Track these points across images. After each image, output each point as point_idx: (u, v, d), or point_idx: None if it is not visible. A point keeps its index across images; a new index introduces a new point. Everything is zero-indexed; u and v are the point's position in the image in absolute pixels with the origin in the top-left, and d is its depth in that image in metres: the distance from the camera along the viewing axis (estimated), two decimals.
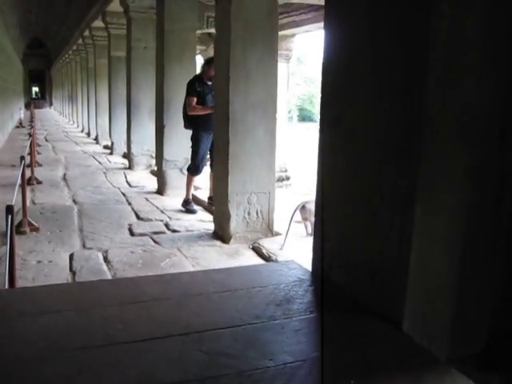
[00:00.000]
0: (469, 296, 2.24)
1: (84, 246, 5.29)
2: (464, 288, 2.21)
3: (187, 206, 6.98)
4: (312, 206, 5.71)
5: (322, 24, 7.08)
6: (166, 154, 7.88)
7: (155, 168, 9.90)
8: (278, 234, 5.75)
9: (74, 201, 7.41)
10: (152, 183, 8.83)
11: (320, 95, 2.62)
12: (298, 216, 5.81)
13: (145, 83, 10.15)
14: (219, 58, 5.60)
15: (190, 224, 6.24)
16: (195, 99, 6.82)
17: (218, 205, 5.76)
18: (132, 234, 5.79)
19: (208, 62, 6.95)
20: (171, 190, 7.94)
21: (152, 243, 5.45)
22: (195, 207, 7.01)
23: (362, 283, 2.37)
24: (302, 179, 9.93)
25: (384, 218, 2.25)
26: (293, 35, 8.36)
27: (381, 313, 2.23)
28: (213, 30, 9.08)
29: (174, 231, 5.94)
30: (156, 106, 8.36)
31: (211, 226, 6.03)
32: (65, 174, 9.76)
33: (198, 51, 9.92)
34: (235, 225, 5.50)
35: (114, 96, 12.70)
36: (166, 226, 6.16)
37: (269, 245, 5.40)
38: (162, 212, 6.82)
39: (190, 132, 7.86)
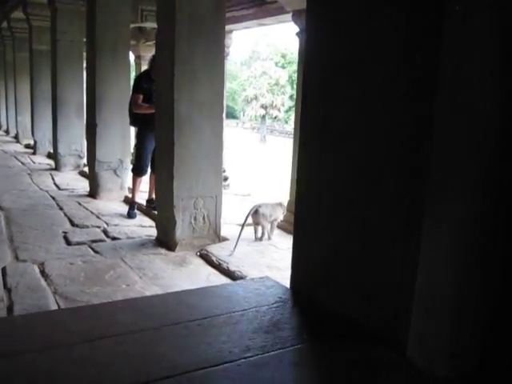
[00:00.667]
0: (468, 313, 2.08)
1: (17, 258, 4.82)
2: (464, 304, 2.05)
3: (129, 208, 6.60)
4: (265, 210, 5.51)
5: (262, 20, 6.85)
6: (99, 155, 7.43)
7: (84, 169, 9.42)
8: (225, 239, 5.50)
9: (0, 206, 6.85)
10: (82, 185, 8.34)
11: (302, 95, 2.40)
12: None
13: (72, 79, 9.64)
14: (162, 54, 5.27)
15: (131, 230, 5.87)
16: (141, 96, 6.44)
17: (161, 210, 5.44)
18: (68, 243, 5.35)
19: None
20: (105, 192, 7.52)
21: (92, 253, 5.05)
22: (136, 212, 6.63)
23: (356, 304, 2.16)
24: (239, 179, 9.71)
25: (384, 233, 2.05)
26: (230, 31, 8.11)
27: (380, 337, 2.03)
28: (147, 25, 8.71)
29: (114, 239, 5.56)
30: (87, 104, 7.90)
31: (153, 232, 5.70)
32: None
33: None
34: (181, 231, 5.19)
35: (36, 92, 11.96)
36: (105, 232, 5.76)
37: (217, 251, 5.14)
38: (97, 217, 6.39)
39: (124, 131, 7.49)
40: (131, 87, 6.99)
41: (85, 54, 10.58)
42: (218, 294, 2.45)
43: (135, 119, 6.66)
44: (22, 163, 10.87)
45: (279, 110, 48.40)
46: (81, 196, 7.65)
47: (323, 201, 2.31)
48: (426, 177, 1.85)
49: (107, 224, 6.10)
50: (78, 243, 5.33)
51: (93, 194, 7.58)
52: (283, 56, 67.33)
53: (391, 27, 1.95)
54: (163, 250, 5.21)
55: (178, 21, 4.87)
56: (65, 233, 5.67)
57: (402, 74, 1.91)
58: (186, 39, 4.92)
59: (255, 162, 24.89)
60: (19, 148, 13.60)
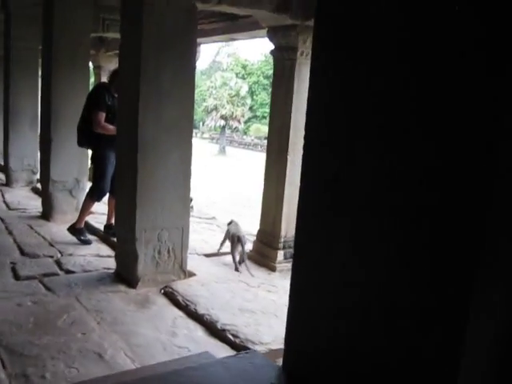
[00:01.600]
0: None
1: None
2: None
3: (80, 235, 6.02)
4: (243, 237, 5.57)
5: (234, 35, 6.41)
6: (54, 174, 6.87)
7: (37, 185, 8.81)
8: (192, 274, 5.02)
9: None
10: (35, 204, 7.73)
11: (304, 144, 1.96)
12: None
13: (26, 89, 9.04)
14: (126, 71, 4.79)
15: (87, 261, 5.33)
16: (104, 115, 5.80)
17: (122, 243, 4.93)
18: (17, 277, 4.78)
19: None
20: (59, 215, 6.94)
21: (43, 290, 4.50)
22: (89, 237, 6.10)
23: None
24: (202, 198, 9.22)
25: (413, 318, 1.62)
26: (199, 44, 7.67)
27: None
28: (109, 35, 8.20)
29: (69, 272, 5.01)
30: (41, 117, 7.31)
31: (112, 264, 5.18)
32: None
33: None
34: (143, 266, 4.70)
35: None
36: (58, 264, 5.20)
37: (184, 290, 4.66)
38: (50, 245, 5.82)
39: (79, 148, 6.93)
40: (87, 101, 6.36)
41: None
42: (198, 379, 1.99)
43: (92, 139, 5.96)
44: None
45: (239, 122, 48.11)
46: (33, 218, 7.05)
47: (331, 267, 1.87)
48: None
49: (61, 253, 5.55)
50: (28, 277, 4.78)
51: (46, 215, 7.00)
52: (244, 67, 67.28)
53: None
54: (123, 287, 4.70)
55: (145, 34, 4.41)
56: (13, 264, 5.10)
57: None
58: (153, 54, 4.46)
59: (217, 177, 24.44)
60: None
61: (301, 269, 2.07)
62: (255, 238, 5.97)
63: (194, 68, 4.74)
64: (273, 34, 5.48)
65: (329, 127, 1.82)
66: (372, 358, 1.73)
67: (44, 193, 7.10)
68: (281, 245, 5.59)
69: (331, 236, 1.83)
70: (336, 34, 1.66)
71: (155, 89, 4.48)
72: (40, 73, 9.22)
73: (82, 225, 6.10)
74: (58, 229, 6.53)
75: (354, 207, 1.71)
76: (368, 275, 1.72)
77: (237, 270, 5.54)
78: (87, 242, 5.96)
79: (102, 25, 7.73)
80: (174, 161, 4.67)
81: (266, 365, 2.15)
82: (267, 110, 67.86)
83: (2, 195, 8.44)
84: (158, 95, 4.51)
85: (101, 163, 5.98)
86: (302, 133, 5.40)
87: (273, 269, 5.53)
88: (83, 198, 6.96)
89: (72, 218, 6.95)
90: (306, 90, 5.40)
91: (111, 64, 10.03)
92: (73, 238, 6.11)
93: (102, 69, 9.99)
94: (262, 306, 4.38)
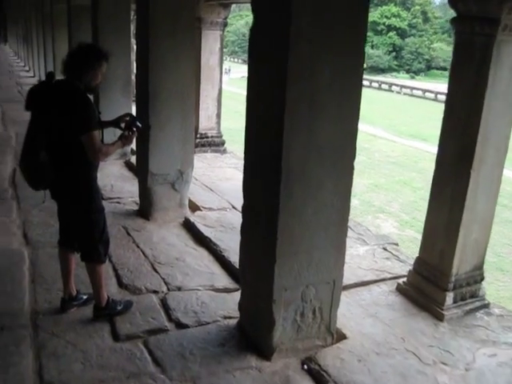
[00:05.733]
0: None
1: (41, 379, 3.18)
2: None
3: (113, 309, 3.93)
4: None
5: None
6: (153, 167, 5.69)
7: (132, 158, 7.77)
8: (341, 335, 3.77)
9: (26, 238, 5.16)
10: (130, 190, 6.63)
11: None
12: None
13: (117, 46, 7.74)
14: (263, 67, 3.37)
15: (200, 303, 4.11)
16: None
17: (252, 298, 3.69)
18: (115, 335, 3.66)
19: (105, 56, 3.65)
20: (159, 212, 5.82)
21: (150, 367, 3.32)
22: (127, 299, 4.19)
23: None
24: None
25: None
26: None
27: None
28: None
29: (179, 325, 3.82)
30: (137, 94, 6.08)
31: (232, 307, 4.00)
32: (14, 172, 7.28)
33: None
34: (281, 333, 3.48)
35: None
36: (166, 309, 4.00)
37: (334, 367, 3.42)
38: (153, 267, 4.67)
39: (182, 134, 5.75)
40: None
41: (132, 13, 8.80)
42: None
43: (79, 174, 3.65)
44: None
45: None
46: (129, 214, 5.94)
47: None
48: None
49: (167, 285, 4.38)
50: (129, 337, 3.65)
51: (144, 213, 5.87)
52: None
53: None
54: (253, 359, 3.48)
55: (299, 11, 2.97)
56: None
57: None
58: (306, 40, 3.01)
59: None
60: None
61: None
62: (412, 267, 4.58)
63: (361, 66, 3.27)
64: None
65: None
66: None
67: (142, 187, 5.94)
68: (451, 285, 4.21)
69: None
70: None
71: (307, 96, 3.09)
72: (132, 29, 8.10)
73: (106, 297, 3.95)
74: (159, 236, 5.39)
75: None
76: None
77: None
78: (128, 307, 4.02)
79: None
80: (327, 196, 3.31)
81: None
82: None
83: None
84: (310, 104, 3.12)
85: (93, 209, 3.74)
86: (495, 142, 3.58)
87: (439, 317, 4.16)
88: (187, 192, 5.85)
89: (174, 215, 5.87)
90: (506, 81, 3.48)
91: (213, 15, 8.59)
92: (177, 252, 5.02)
93: (202, 21, 8.51)
94: None
